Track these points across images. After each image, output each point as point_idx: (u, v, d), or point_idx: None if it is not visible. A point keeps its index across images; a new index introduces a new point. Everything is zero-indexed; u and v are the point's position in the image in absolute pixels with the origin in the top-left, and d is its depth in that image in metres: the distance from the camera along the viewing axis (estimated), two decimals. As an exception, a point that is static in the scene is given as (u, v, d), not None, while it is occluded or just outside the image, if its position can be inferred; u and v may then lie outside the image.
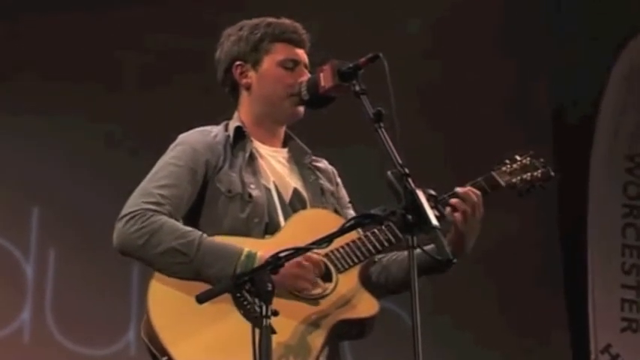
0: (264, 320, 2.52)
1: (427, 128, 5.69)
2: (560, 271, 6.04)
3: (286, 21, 3.17)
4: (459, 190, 2.99)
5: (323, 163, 3.25)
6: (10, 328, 5.08)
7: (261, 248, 2.89)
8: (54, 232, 5.14)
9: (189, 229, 2.93)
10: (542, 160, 3.22)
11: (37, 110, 5.13)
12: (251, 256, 2.86)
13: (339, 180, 3.26)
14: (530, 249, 5.92)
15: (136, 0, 5.36)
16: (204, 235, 2.91)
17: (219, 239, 2.93)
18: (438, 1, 5.89)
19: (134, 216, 2.91)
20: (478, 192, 2.99)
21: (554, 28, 6.11)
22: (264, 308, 2.53)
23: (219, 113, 3.22)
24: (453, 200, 2.96)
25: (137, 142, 5.00)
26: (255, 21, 3.17)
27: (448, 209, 2.95)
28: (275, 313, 2.54)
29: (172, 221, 2.92)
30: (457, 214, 2.95)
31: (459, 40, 5.86)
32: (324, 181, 3.18)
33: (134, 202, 2.95)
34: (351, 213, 3.20)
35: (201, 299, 2.61)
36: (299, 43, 3.15)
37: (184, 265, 2.87)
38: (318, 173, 3.18)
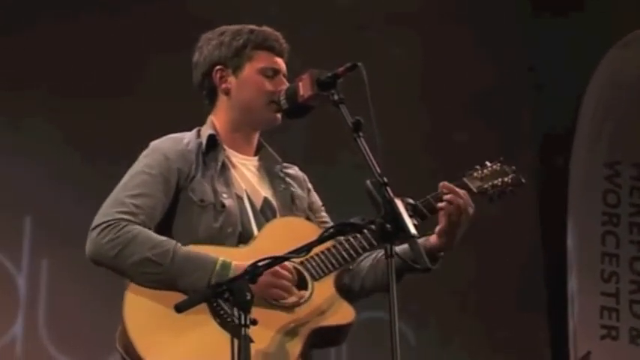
0: (243, 329, 2.53)
1: (408, 132, 5.71)
2: (541, 278, 6.06)
3: (268, 29, 3.19)
4: (449, 185, 3.02)
5: (294, 170, 3.26)
6: (2, 340, 5.04)
7: (237, 258, 2.89)
8: (46, 243, 5.11)
9: (163, 238, 2.92)
10: (512, 166, 3.25)
11: (30, 121, 5.11)
12: (226, 266, 2.86)
13: (310, 186, 3.27)
14: (511, 257, 5.94)
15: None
16: (179, 245, 2.91)
17: (194, 249, 2.92)
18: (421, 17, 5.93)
19: (107, 226, 2.90)
20: (464, 191, 3.04)
21: (533, 39, 6.15)
22: (242, 317, 2.54)
23: (197, 120, 3.23)
24: (449, 196, 2.99)
25: (129, 150, 4.98)
26: (237, 27, 3.17)
27: (443, 203, 2.98)
28: (254, 322, 2.56)
29: (146, 231, 2.92)
30: (452, 208, 2.98)
31: (439, 48, 5.89)
32: (295, 189, 3.19)
33: (107, 211, 2.94)
34: (325, 216, 3.23)
35: (180, 308, 2.61)
36: (280, 52, 3.17)
37: (158, 276, 2.87)
38: (288, 180, 3.19)
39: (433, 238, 3.02)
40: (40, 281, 5.11)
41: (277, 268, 2.85)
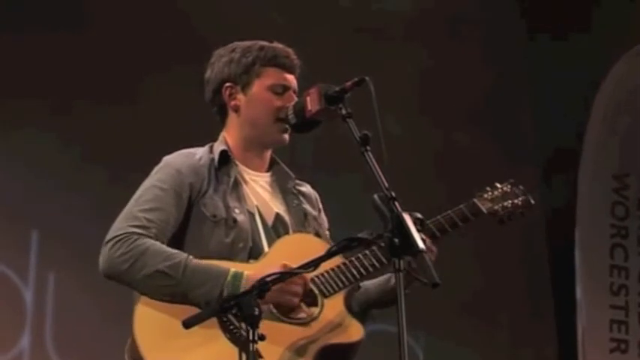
0: (251, 345, 2.53)
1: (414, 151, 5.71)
2: (549, 292, 6.05)
3: (278, 45, 3.18)
4: None
5: (306, 188, 3.25)
6: (9, 354, 5.04)
7: (248, 270, 2.89)
8: (53, 256, 5.11)
9: (174, 251, 2.93)
10: (522, 187, 3.27)
11: (36, 134, 5.11)
12: (237, 276, 2.86)
13: (321, 206, 3.27)
14: (519, 270, 5.93)
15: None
16: (190, 257, 2.91)
17: (206, 261, 2.93)
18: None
19: (119, 240, 2.91)
20: (428, 239, 2.97)
21: (537, 52, 6.17)
22: (251, 332, 2.54)
23: (206, 132, 3.22)
24: None
25: (137, 165, 4.97)
26: (247, 43, 3.17)
27: None
28: (262, 338, 2.55)
29: (158, 244, 2.92)
30: None
31: (441, 60, 5.89)
32: (307, 206, 3.19)
33: (119, 225, 2.95)
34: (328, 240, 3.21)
35: (188, 324, 2.61)
36: (290, 68, 3.16)
37: (171, 288, 2.87)
38: (301, 198, 3.19)
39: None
40: (47, 295, 5.11)
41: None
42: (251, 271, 2.86)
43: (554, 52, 6.10)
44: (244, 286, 2.82)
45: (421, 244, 2.54)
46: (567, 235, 5.87)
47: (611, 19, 5.95)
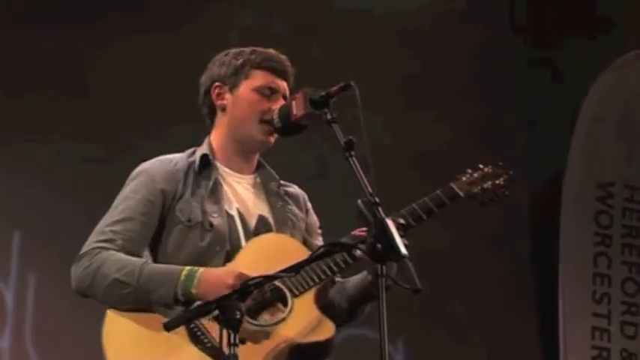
0: (232, 348, 2.52)
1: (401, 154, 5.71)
2: (531, 299, 6.05)
3: (271, 51, 3.20)
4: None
5: (293, 188, 3.25)
6: (-12, 356, 5.03)
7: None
8: (35, 258, 5.09)
9: (132, 259, 2.95)
10: (501, 164, 3.20)
11: (17, 134, 5.09)
12: (190, 276, 2.86)
13: (309, 205, 3.25)
14: (500, 277, 5.93)
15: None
16: (147, 262, 2.95)
17: (163, 265, 2.95)
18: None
19: (83, 256, 2.97)
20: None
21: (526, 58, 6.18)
22: (232, 336, 2.53)
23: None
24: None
25: (119, 165, 4.94)
26: (241, 48, 3.19)
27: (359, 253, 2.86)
28: (242, 342, 2.56)
29: (117, 254, 2.95)
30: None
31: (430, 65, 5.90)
32: (292, 207, 3.17)
33: (88, 242, 3.01)
34: (319, 240, 3.20)
35: (169, 327, 2.61)
36: (281, 74, 3.16)
37: (130, 295, 2.90)
38: (286, 199, 3.18)
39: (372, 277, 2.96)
40: (28, 296, 5.09)
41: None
42: (206, 271, 2.85)
43: (544, 59, 6.12)
44: (196, 285, 2.84)
45: (404, 250, 2.53)
46: (551, 243, 5.88)
47: (603, 30, 5.99)
